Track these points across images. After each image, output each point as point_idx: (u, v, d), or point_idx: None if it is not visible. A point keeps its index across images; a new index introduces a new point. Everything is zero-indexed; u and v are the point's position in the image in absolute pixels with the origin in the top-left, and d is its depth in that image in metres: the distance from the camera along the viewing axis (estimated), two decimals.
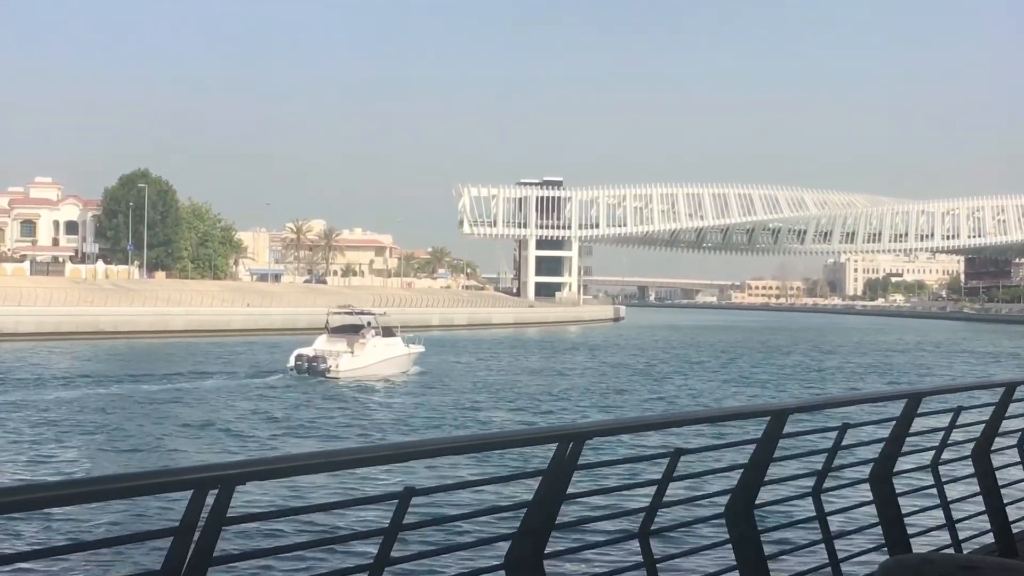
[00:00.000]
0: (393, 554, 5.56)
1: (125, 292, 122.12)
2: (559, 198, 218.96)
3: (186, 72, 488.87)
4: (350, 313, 74.47)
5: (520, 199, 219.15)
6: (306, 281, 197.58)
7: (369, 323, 70.78)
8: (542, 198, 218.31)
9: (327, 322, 71.24)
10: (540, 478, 6.38)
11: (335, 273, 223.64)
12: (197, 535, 4.72)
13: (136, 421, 42.57)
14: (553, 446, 6.31)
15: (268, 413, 46.51)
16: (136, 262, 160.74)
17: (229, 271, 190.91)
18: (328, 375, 63.24)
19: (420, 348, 71.83)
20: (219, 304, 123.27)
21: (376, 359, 66.31)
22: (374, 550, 5.54)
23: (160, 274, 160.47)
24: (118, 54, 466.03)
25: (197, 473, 4.72)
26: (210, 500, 4.71)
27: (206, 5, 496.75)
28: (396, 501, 5.52)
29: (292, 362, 65.36)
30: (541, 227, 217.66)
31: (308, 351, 66.14)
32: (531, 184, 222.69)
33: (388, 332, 70.51)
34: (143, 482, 4.79)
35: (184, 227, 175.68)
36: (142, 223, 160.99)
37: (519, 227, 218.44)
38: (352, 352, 65.83)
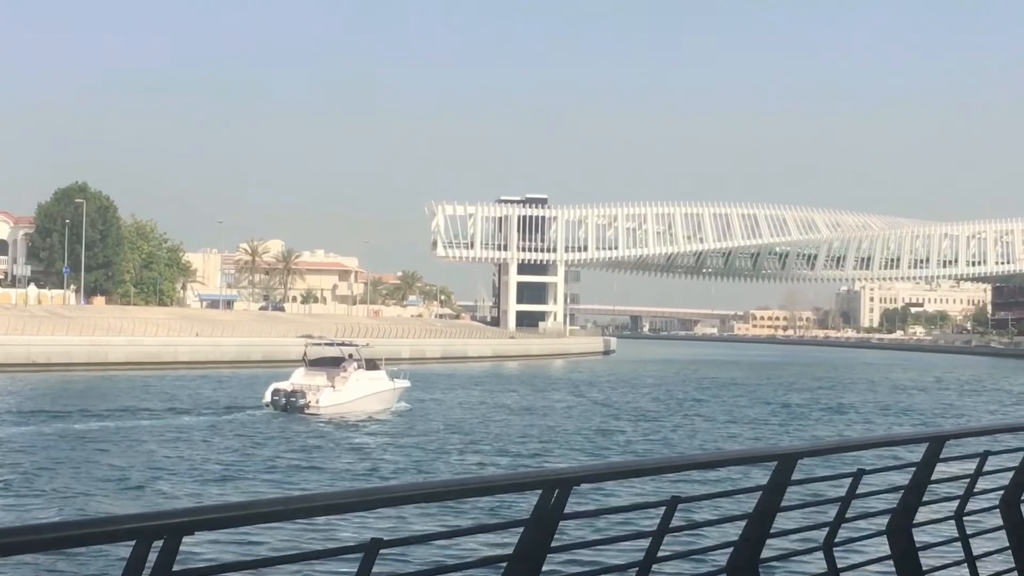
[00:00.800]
0: None
1: (60, 319, 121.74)
2: (543, 218, 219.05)
3: (129, 76, 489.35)
4: (330, 344, 75.20)
5: (500, 218, 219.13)
6: (262, 308, 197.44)
7: (351, 355, 70.96)
8: (524, 217, 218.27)
9: (305, 354, 71.46)
10: (522, 529, 6.38)
11: (294, 299, 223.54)
12: None
13: (69, 464, 42.38)
14: (537, 493, 6.31)
15: (240, 451, 46.50)
16: (72, 286, 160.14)
17: (176, 297, 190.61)
18: (307, 411, 63.38)
19: (406, 383, 72.00)
20: (164, 333, 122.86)
21: (359, 394, 66.46)
22: None
23: (99, 299, 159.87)
24: (54, 55, 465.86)
25: (140, 522, 4.69)
26: (155, 552, 4.69)
27: (158, 9, 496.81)
28: (362, 554, 5.51)
29: (268, 397, 65.52)
30: (523, 250, 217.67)
31: (285, 385, 66.31)
32: (512, 202, 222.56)
33: (372, 365, 70.71)
34: (78, 532, 4.75)
35: (126, 247, 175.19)
36: (79, 243, 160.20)
37: (499, 249, 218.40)
38: (333, 386, 65.90)
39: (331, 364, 69.35)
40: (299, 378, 67.72)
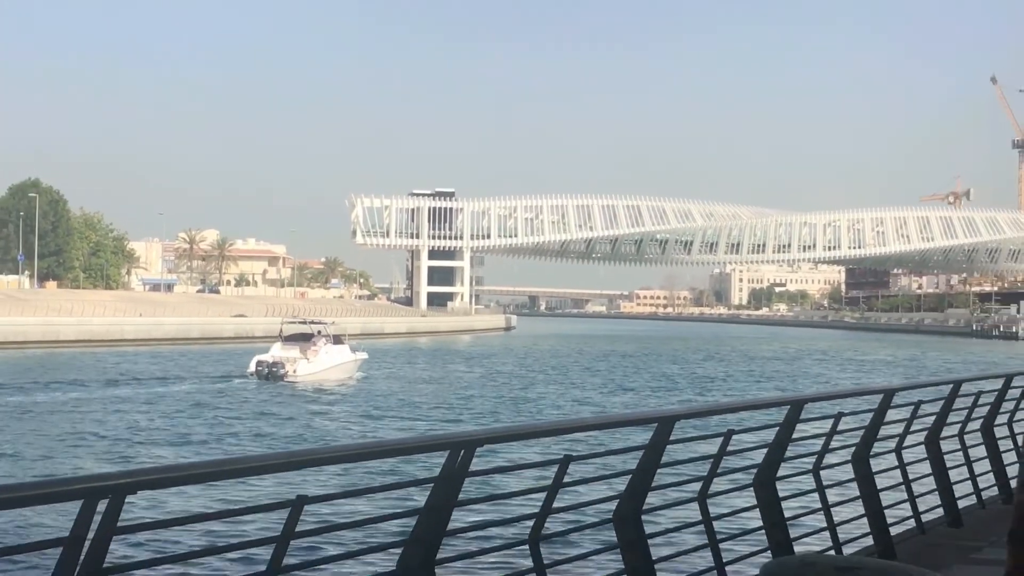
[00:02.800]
0: (286, 562, 5.53)
1: (15, 302, 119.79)
2: (451, 209, 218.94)
3: (76, 78, 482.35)
4: (303, 323, 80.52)
5: (412, 210, 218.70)
6: (199, 291, 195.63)
7: (320, 331, 75.77)
8: (434, 209, 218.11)
9: (281, 331, 76.69)
10: (432, 485, 6.39)
11: (228, 283, 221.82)
12: (87, 546, 4.65)
13: (34, 432, 41.76)
14: (444, 454, 6.32)
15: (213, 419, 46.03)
16: (27, 272, 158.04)
17: (121, 281, 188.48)
18: (287, 379, 67.58)
19: (364, 355, 76.24)
20: (111, 314, 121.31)
21: (328, 364, 70.78)
22: (267, 557, 5.51)
23: (51, 284, 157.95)
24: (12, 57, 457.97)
25: (86, 483, 4.65)
26: (101, 509, 4.64)
27: (89, 8, 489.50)
28: (288, 509, 5.49)
29: (253, 367, 69.70)
30: (433, 238, 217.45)
31: (267, 357, 70.58)
32: (423, 195, 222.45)
33: (338, 340, 75.11)
34: (30, 492, 4.70)
35: (76, 237, 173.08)
36: (33, 233, 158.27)
37: (411, 237, 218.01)
38: (307, 358, 70.11)
39: (303, 339, 73.94)
40: (277, 351, 72.01)
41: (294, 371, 68.35)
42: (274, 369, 68.61)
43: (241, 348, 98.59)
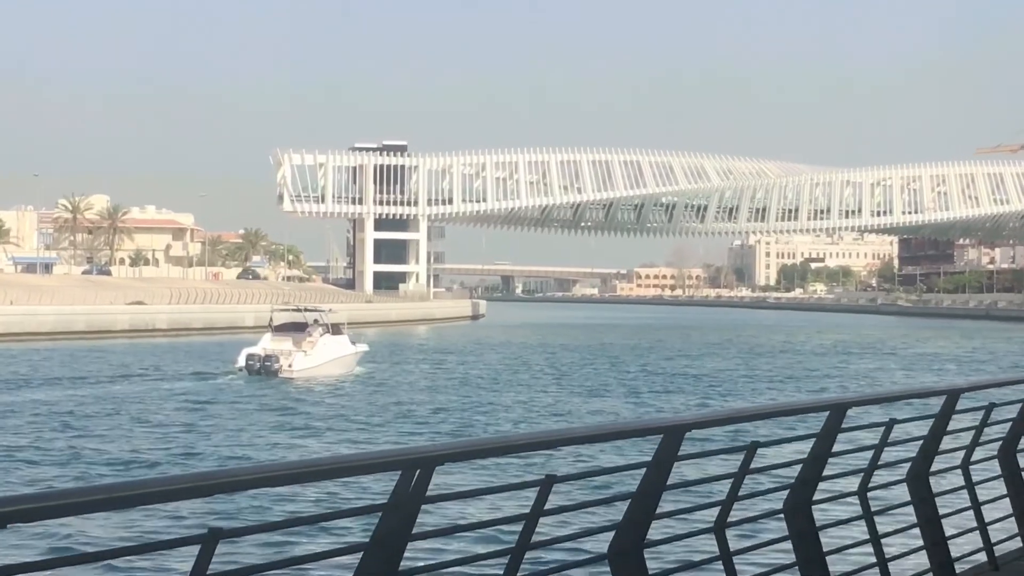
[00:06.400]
0: None
1: None
2: (403, 167, 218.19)
3: None
4: (296, 310, 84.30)
5: (354, 168, 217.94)
6: (85, 272, 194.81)
7: (316, 320, 79.50)
8: (382, 167, 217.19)
9: (271, 320, 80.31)
10: (380, 514, 6.38)
11: (122, 262, 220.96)
12: None
13: None
14: (396, 475, 6.31)
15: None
16: None
17: None
18: (282, 375, 71.12)
19: (365, 347, 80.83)
20: None
21: (327, 358, 74.85)
22: None
23: None
24: None
25: None
26: None
27: None
28: (199, 546, 5.48)
29: (242, 361, 73.11)
30: (381, 203, 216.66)
31: (258, 350, 74.08)
32: (368, 150, 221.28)
33: (336, 330, 79.06)
34: None
35: None
36: None
37: (353, 203, 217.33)
38: (304, 351, 73.99)
39: (296, 329, 78.18)
40: (268, 343, 75.72)
41: (289, 365, 71.96)
42: (267, 363, 72.04)
43: (140, 344, 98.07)
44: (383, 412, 55.56)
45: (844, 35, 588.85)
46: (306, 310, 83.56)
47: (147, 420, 50.94)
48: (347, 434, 47.73)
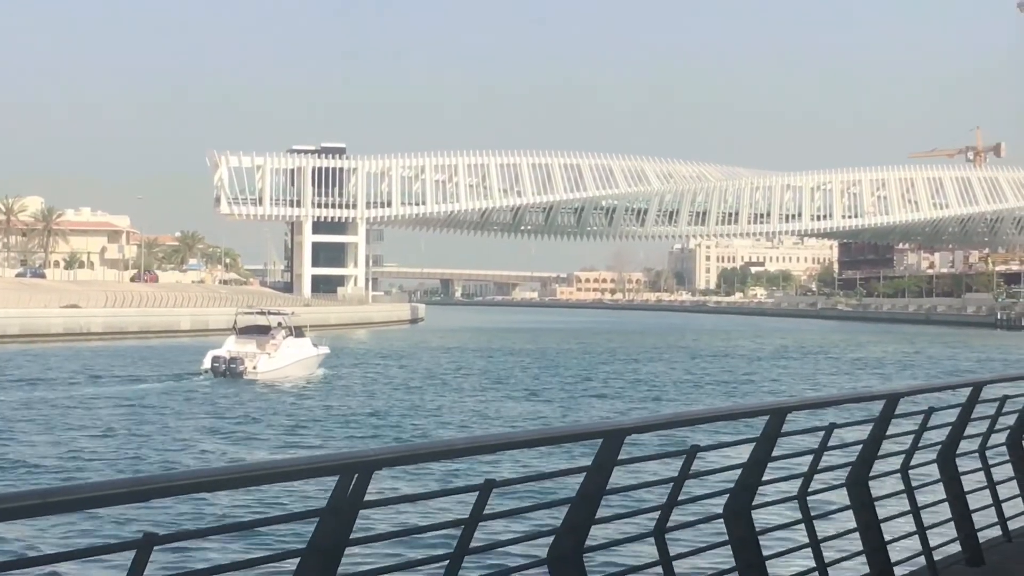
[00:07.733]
0: None
1: None
2: (341, 169, 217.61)
3: None
4: (260, 313, 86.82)
5: (292, 170, 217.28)
6: (19, 275, 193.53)
7: (280, 323, 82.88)
8: (320, 169, 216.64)
9: (235, 322, 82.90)
10: (317, 519, 6.35)
11: (56, 264, 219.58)
12: None
13: None
14: (333, 479, 6.29)
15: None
16: None
17: None
18: (246, 376, 73.60)
19: (326, 350, 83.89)
20: None
21: (290, 360, 77.72)
22: None
23: None
24: None
25: None
26: None
27: None
28: (134, 552, 5.44)
29: (208, 364, 75.71)
30: (319, 206, 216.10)
31: (223, 353, 76.67)
32: (306, 152, 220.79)
33: (298, 333, 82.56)
34: None
35: None
36: None
37: (291, 206, 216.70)
38: (268, 353, 76.56)
39: (259, 332, 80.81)
40: (232, 346, 78.18)
41: (254, 368, 74.63)
42: (232, 366, 74.77)
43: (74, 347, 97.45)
44: (325, 417, 55.48)
45: (788, 38, 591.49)
46: (269, 313, 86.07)
47: (87, 425, 50.66)
48: (286, 438, 47.60)
